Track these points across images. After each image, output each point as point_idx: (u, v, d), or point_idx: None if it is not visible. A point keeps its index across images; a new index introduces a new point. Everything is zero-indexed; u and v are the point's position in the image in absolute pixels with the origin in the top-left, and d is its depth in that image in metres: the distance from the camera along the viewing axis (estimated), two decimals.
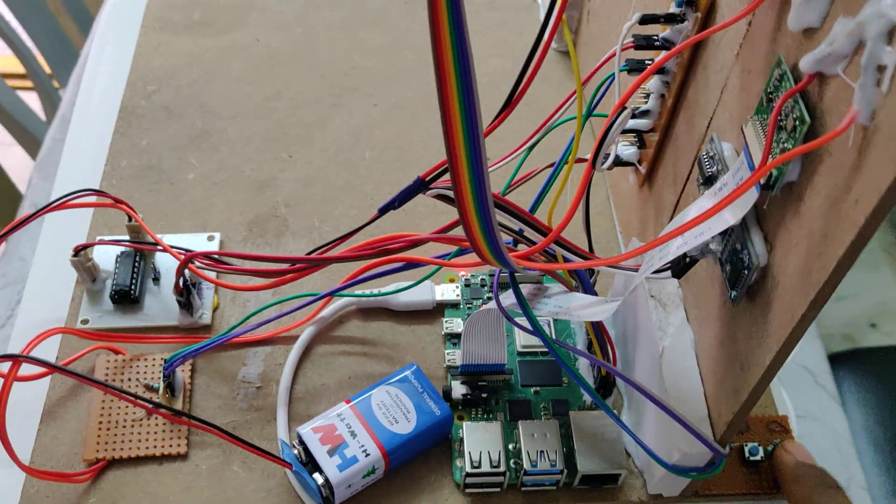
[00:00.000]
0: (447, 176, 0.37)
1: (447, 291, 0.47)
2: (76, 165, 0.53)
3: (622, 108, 0.36)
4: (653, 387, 0.38)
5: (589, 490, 0.41)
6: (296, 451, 0.40)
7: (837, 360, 0.91)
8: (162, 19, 0.61)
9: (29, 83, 1.00)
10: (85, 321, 0.45)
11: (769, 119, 0.28)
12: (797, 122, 0.28)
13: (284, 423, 0.42)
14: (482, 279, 0.48)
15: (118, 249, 0.47)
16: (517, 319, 0.39)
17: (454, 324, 0.46)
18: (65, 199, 0.43)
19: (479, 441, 0.40)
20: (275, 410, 0.43)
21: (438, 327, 0.46)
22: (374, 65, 0.59)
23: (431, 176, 0.37)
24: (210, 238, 0.49)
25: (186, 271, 0.44)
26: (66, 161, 0.54)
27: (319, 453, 0.39)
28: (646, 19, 0.38)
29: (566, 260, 0.39)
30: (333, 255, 0.41)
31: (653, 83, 0.42)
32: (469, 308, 0.46)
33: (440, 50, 0.25)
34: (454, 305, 0.47)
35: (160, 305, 0.46)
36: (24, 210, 0.56)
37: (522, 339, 0.45)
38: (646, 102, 0.42)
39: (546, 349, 0.45)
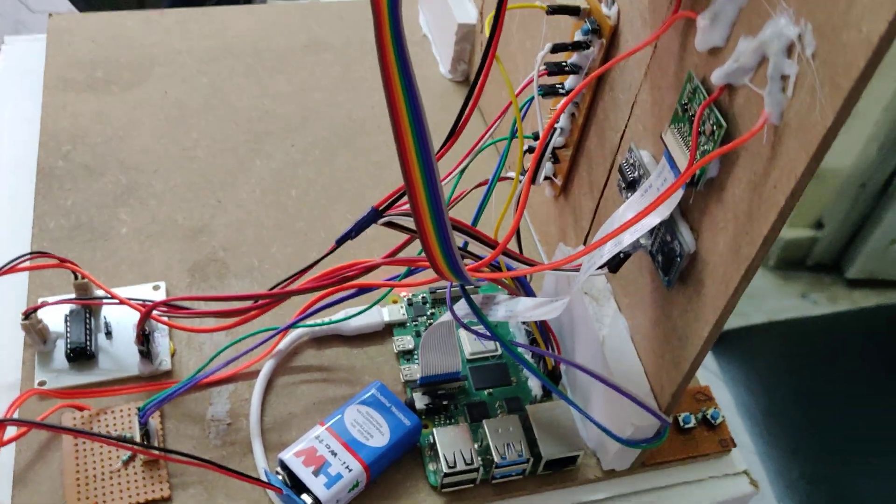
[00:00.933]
0: (398, 204, 0.41)
1: (394, 312, 0.50)
2: None
3: (553, 128, 0.41)
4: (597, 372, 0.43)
5: (551, 474, 0.45)
6: (280, 477, 0.41)
7: None
8: (64, 80, 0.61)
9: None
10: (42, 383, 0.45)
11: (693, 128, 0.34)
12: (714, 127, 0.33)
13: (262, 453, 0.44)
14: (423, 297, 0.51)
15: (64, 309, 0.47)
16: (472, 327, 0.43)
17: (405, 341, 0.49)
18: (13, 264, 0.44)
19: (451, 443, 0.43)
20: (248, 444, 0.44)
21: (389, 346, 0.49)
22: (284, 108, 0.62)
23: (385, 205, 0.41)
24: (155, 288, 0.50)
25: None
26: None
27: (305, 475, 0.41)
28: (556, 48, 0.43)
29: (509, 268, 0.44)
30: (295, 288, 0.43)
31: (563, 103, 0.46)
32: (416, 325, 0.50)
33: (391, 87, 0.29)
34: (402, 324, 0.50)
35: (115, 358, 0.46)
36: None
37: (469, 348, 0.49)
38: (557, 122, 0.47)
39: (491, 354, 0.49)
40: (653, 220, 0.36)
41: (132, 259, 0.51)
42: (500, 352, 0.49)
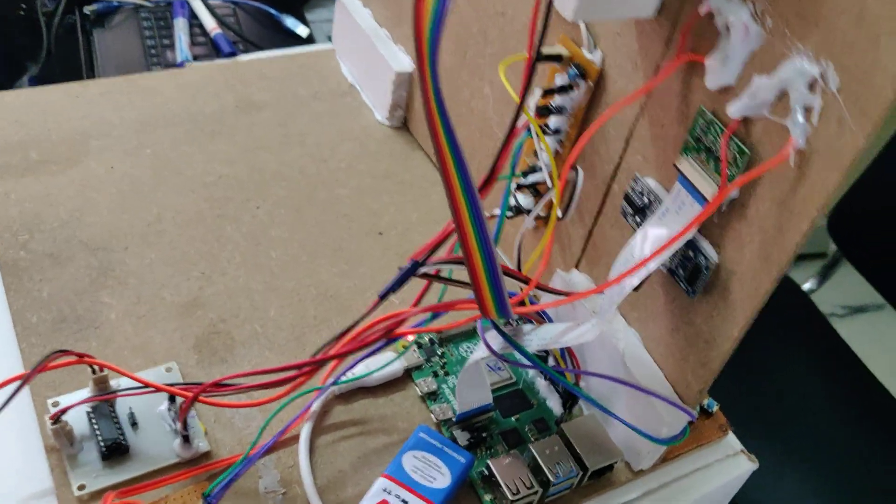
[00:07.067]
0: (436, 255, 0.44)
1: (409, 357, 0.51)
2: None
3: (573, 167, 0.45)
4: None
5: (594, 483, 0.48)
6: None
7: None
8: None
9: None
10: (82, 487, 0.43)
11: (722, 157, 0.39)
12: (737, 154, 0.39)
13: None
14: (429, 338, 0.53)
15: (82, 407, 0.45)
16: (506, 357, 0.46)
17: (428, 383, 0.51)
18: (41, 365, 0.41)
19: (508, 472, 0.45)
20: None
21: (411, 391, 0.51)
22: (237, 171, 0.61)
23: (424, 256, 0.43)
24: (168, 370, 0.48)
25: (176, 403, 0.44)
26: None
27: None
28: (546, 92, 0.47)
29: (532, 301, 0.47)
30: (335, 351, 0.44)
31: (548, 143, 0.50)
32: (430, 366, 0.52)
33: (441, 151, 0.32)
34: (418, 367, 0.52)
35: (148, 447, 0.45)
36: None
37: (487, 380, 0.51)
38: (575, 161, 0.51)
39: (507, 382, 0.52)
40: (681, 242, 0.41)
41: (131, 344, 0.50)
42: (514, 379, 0.52)
